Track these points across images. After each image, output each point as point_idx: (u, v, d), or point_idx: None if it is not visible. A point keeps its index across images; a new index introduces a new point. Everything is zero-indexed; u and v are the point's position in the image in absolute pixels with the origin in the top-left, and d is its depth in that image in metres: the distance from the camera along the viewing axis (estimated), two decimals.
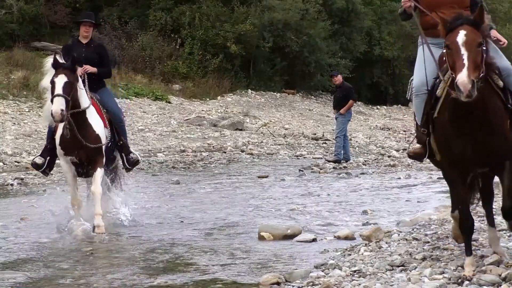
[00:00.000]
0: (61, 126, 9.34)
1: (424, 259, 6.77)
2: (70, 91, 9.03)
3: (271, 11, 35.47)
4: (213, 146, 22.44)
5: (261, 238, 9.05)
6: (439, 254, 6.93)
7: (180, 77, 33.52)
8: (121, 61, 31.69)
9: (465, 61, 5.52)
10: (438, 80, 6.28)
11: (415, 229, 8.51)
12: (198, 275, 7.25)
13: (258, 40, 34.98)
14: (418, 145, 6.75)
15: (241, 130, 26.87)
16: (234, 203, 12.10)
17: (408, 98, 7.13)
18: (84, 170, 9.62)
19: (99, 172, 9.50)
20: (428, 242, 7.62)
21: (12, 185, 14.33)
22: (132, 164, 10.24)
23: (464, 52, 5.58)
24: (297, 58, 36.28)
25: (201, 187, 14.31)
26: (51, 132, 9.76)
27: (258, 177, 15.90)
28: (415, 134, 6.54)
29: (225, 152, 21.17)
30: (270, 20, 35.25)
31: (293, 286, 6.55)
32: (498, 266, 6.14)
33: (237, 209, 11.46)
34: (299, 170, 17.05)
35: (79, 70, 9.47)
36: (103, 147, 9.57)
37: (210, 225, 10.08)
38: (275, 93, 35.95)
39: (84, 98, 9.41)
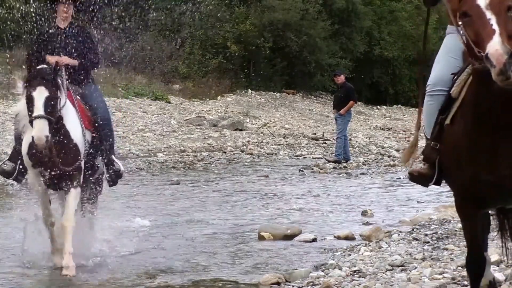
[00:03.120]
0: (29, 130, 7.26)
1: (424, 259, 6.77)
2: (53, 109, 7.12)
3: (271, 11, 35.47)
4: (213, 146, 22.42)
5: (261, 238, 9.05)
6: (439, 254, 6.93)
7: (180, 77, 33.53)
8: (121, 61, 31.67)
9: (495, 26, 3.99)
10: (455, 76, 4.74)
11: (415, 229, 8.51)
12: (198, 275, 7.25)
13: (258, 40, 34.98)
14: (423, 165, 4.95)
15: (241, 130, 26.86)
16: (234, 203, 12.10)
17: None
18: (56, 185, 7.68)
19: (73, 196, 7.52)
20: (428, 242, 7.62)
21: (12, 185, 14.29)
22: (116, 177, 8.15)
23: (491, 16, 4.05)
24: (297, 58, 36.29)
25: (201, 187, 14.30)
26: (19, 133, 7.92)
27: (258, 177, 15.89)
28: (422, 150, 4.95)
29: (225, 152, 21.15)
30: (270, 20, 35.25)
31: (293, 286, 6.55)
32: (498, 266, 6.15)
33: (237, 209, 11.46)
34: (299, 170, 17.04)
35: (52, 59, 7.64)
36: (82, 161, 7.60)
37: (210, 225, 10.08)
38: (275, 93, 35.95)
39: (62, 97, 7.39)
